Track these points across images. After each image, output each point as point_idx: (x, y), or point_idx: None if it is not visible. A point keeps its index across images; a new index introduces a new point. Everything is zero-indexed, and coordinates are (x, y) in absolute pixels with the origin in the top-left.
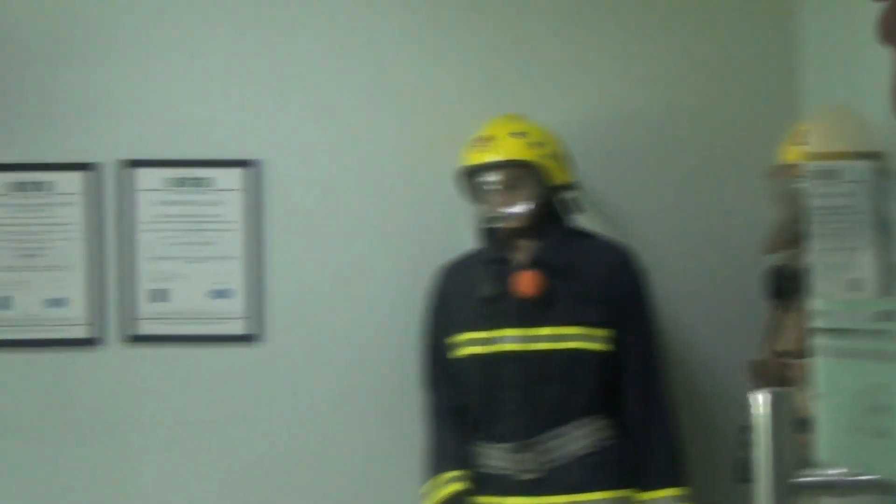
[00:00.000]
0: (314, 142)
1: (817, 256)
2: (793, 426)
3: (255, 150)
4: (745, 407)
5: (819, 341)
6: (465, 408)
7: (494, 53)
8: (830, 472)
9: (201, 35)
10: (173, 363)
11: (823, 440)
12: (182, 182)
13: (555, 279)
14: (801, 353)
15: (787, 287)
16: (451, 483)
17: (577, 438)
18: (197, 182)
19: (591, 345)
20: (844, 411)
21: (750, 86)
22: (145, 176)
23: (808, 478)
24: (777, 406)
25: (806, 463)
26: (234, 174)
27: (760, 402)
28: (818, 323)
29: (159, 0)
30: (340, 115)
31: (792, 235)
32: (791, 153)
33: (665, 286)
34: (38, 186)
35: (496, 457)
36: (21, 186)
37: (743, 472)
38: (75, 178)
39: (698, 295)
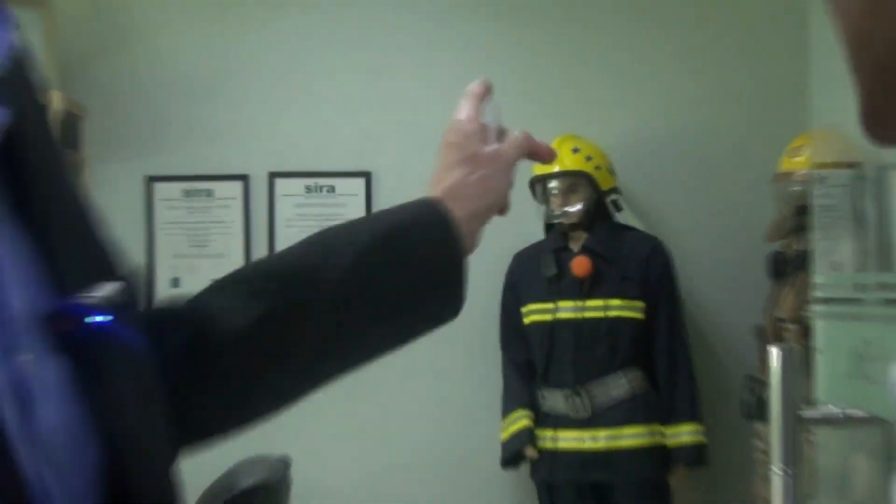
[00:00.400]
0: (413, 157)
1: (815, 243)
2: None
3: (369, 163)
4: (750, 360)
5: (819, 308)
6: (532, 362)
7: (557, 84)
8: (829, 408)
9: (328, 76)
10: None
11: (822, 384)
12: (314, 189)
13: (601, 263)
14: (795, 319)
15: (783, 268)
16: (520, 420)
17: (617, 386)
18: (326, 189)
19: (630, 314)
20: (839, 362)
21: (764, 111)
22: (286, 184)
23: (811, 413)
24: (787, 358)
25: (808, 402)
26: (355, 182)
27: (775, 355)
28: (819, 293)
29: (296, 49)
30: (432, 135)
31: (788, 228)
32: (788, 164)
33: (688, 269)
34: (204, 193)
35: (554, 399)
36: (192, 193)
37: (748, 411)
38: (233, 186)
39: (714, 275)
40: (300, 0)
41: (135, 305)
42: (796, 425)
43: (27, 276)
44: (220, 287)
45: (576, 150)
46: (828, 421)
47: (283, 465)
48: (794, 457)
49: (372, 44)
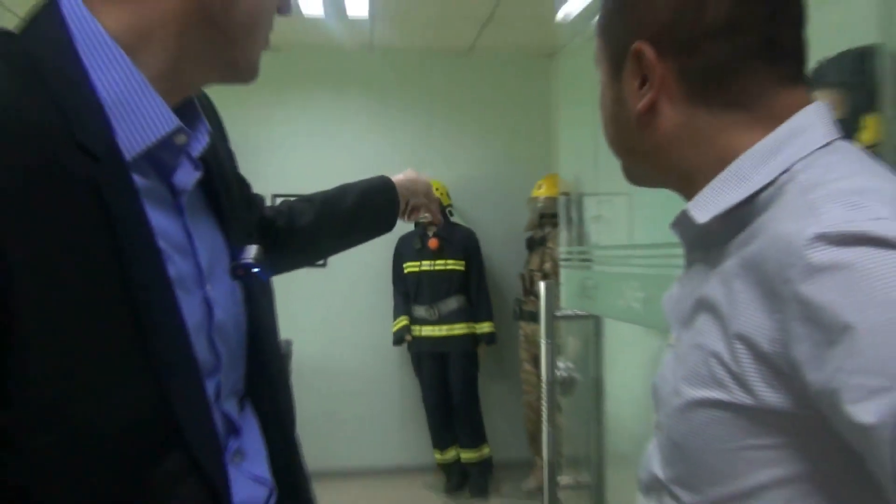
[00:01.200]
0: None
1: (560, 234)
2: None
3: (326, 187)
4: (516, 291)
5: (563, 263)
6: (408, 293)
7: (417, 146)
8: (568, 311)
9: (312, 133)
10: None
11: (564, 300)
12: None
13: (443, 241)
14: (538, 270)
15: (532, 245)
16: (402, 321)
17: (451, 303)
18: None
19: (457, 267)
20: (573, 289)
21: (527, 166)
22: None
23: (560, 312)
24: (549, 287)
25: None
26: None
27: (543, 285)
28: (564, 256)
29: (296, 119)
30: (372, 166)
31: (533, 225)
32: (535, 192)
33: (487, 244)
34: None
35: (420, 311)
36: None
37: (515, 316)
38: None
39: (500, 248)
40: (299, 95)
41: (266, 257)
42: (553, 319)
43: (213, 241)
44: (299, 200)
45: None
46: (567, 317)
47: (286, 344)
48: (552, 334)
49: (334, 117)
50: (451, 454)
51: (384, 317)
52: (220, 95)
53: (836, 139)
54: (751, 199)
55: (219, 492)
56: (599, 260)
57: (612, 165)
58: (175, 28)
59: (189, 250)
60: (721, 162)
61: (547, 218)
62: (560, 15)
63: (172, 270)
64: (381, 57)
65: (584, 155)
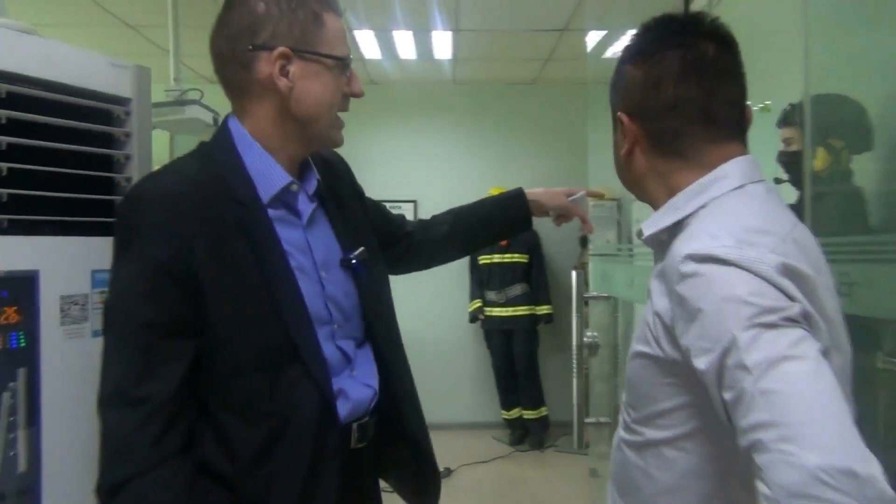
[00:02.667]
0: (440, 189)
1: (596, 235)
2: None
3: (415, 193)
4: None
5: (594, 259)
6: (482, 279)
7: (492, 157)
8: (595, 293)
9: (421, 144)
10: None
11: (592, 285)
12: (394, 208)
13: (509, 241)
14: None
15: (584, 241)
16: (476, 302)
17: (516, 289)
18: (398, 208)
19: (521, 259)
20: (597, 276)
21: (575, 174)
22: None
23: (588, 294)
24: (579, 275)
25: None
26: (407, 207)
27: (574, 274)
28: (592, 252)
29: (383, 130)
30: (451, 176)
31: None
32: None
33: (546, 240)
34: None
35: (490, 294)
36: None
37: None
38: None
39: (559, 246)
40: (394, 120)
41: (367, 257)
42: (585, 299)
43: (328, 244)
44: (442, 213)
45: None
46: (593, 297)
47: None
48: (582, 310)
49: (423, 138)
50: (514, 413)
51: (462, 299)
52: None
53: (748, 183)
54: (679, 223)
55: (323, 389)
56: (640, 255)
57: None
58: (272, 127)
59: (308, 250)
60: (669, 195)
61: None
62: (608, 53)
63: (294, 262)
64: (461, 89)
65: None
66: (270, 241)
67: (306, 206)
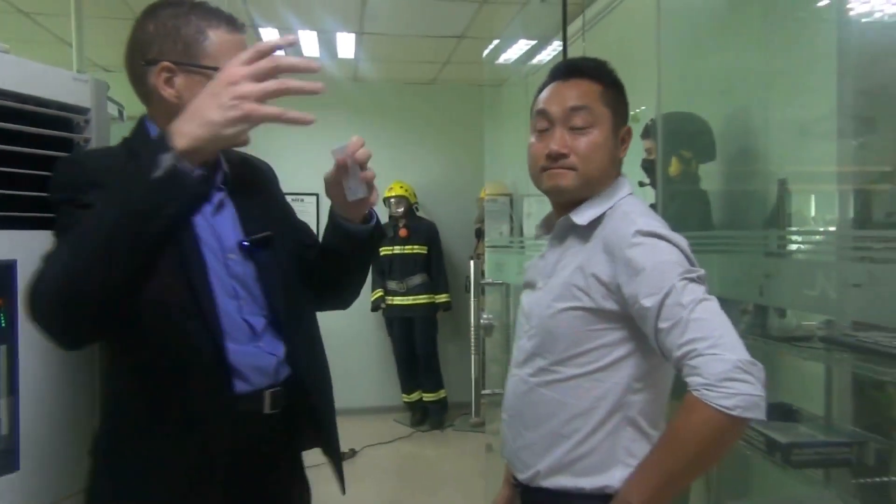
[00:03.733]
0: None
1: (488, 229)
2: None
3: (317, 186)
4: (466, 270)
5: (489, 248)
6: (383, 270)
7: (399, 156)
8: (490, 280)
9: (324, 138)
10: None
11: (488, 273)
12: (297, 200)
13: (410, 231)
14: (481, 253)
15: (480, 233)
16: (378, 292)
17: (416, 279)
18: (300, 200)
19: (420, 250)
20: (491, 267)
21: (471, 171)
22: None
23: (484, 281)
24: (476, 264)
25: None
26: (309, 200)
27: (472, 263)
28: (489, 243)
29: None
30: None
31: (479, 219)
32: (482, 193)
33: (445, 233)
34: None
35: (392, 284)
36: None
37: (465, 288)
38: None
39: (456, 236)
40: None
41: (269, 241)
42: (482, 287)
43: (234, 227)
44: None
45: (401, 187)
46: (489, 284)
47: None
48: (479, 295)
49: (325, 133)
50: (415, 396)
51: (364, 288)
52: None
53: (629, 194)
54: (601, 216)
55: (217, 343)
56: (530, 246)
57: None
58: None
59: (214, 233)
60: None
61: None
62: (501, 59)
63: (203, 244)
64: (363, 87)
65: (520, 165)
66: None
67: (215, 195)
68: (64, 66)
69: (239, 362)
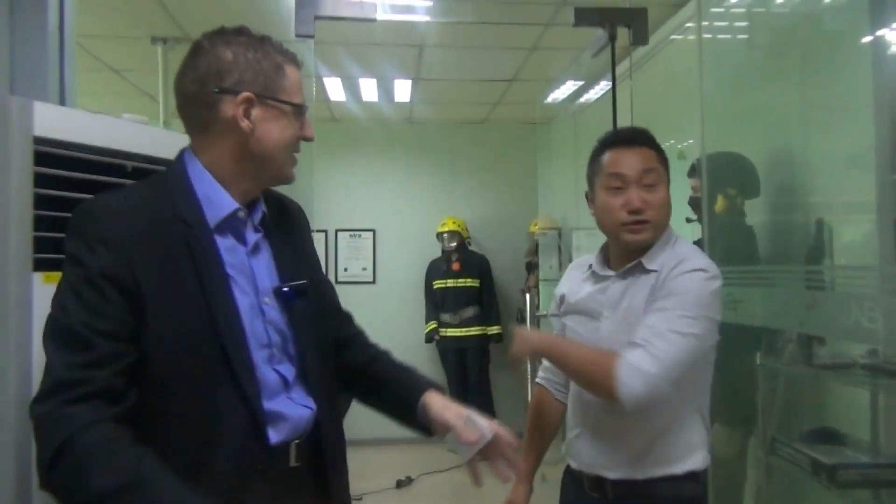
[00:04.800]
0: (397, 219)
1: (542, 262)
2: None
3: (374, 222)
4: (518, 302)
5: (542, 281)
6: (437, 303)
7: (450, 194)
8: (545, 312)
9: (381, 177)
10: None
11: (542, 306)
12: (355, 236)
13: (463, 265)
14: (534, 286)
15: (529, 268)
16: (432, 323)
17: (469, 311)
18: (358, 236)
19: (472, 284)
20: (547, 299)
21: (521, 206)
22: (342, 235)
23: (541, 313)
24: (532, 297)
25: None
26: (366, 236)
27: (528, 296)
28: (542, 276)
29: (343, 165)
30: (407, 207)
31: (531, 252)
32: (532, 228)
33: (498, 267)
34: None
35: (446, 316)
36: None
37: (517, 319)
38: (319, 235)
39: (508, 269)
40: (353, 153)
41: (305, 289)
42: (538, 317)
43: (271, 274)
44: (369, 343)
45: (454, 222)
46: (545, 315)
47: None
48: (536, 325)
49: (383, 171)
50: None
51: (418, 321)
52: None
53: (678, 237)
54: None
55: (254, 408)
56: None
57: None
58: (229, 162)
59: (251, 276)
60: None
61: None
62: (549, 98)
63: (237, 287)
64: (418, 127)
65: (567, 198)
66: (212, 262)
67: (251, 235)
68: (148, 116)
69: (272, 415)
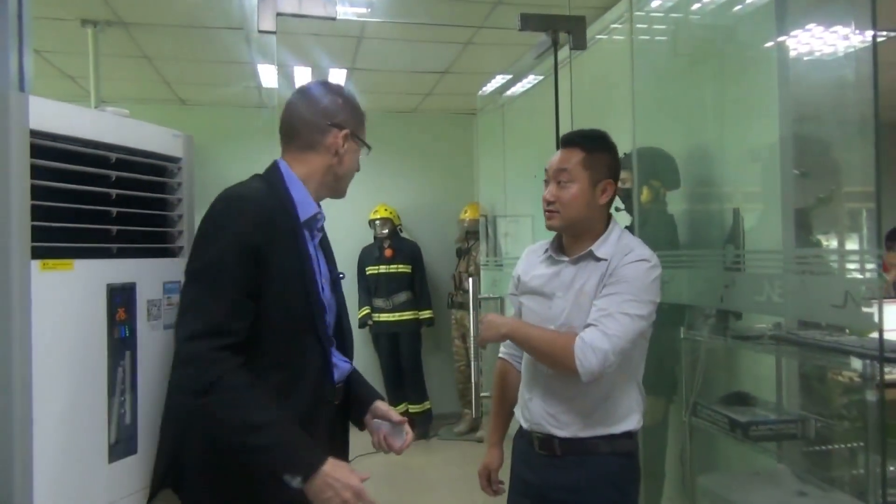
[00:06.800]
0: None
1: (482, 246)
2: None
3: None
4: (448, 287)
5: (482, 266)
6: (369, 288)
7: (384, 181)
8: (485, 294)
9: None
10: None
11: (483, 288)
12: None
13: (395, 252)
14: (465, 272)
15: (460, 253)
16: (365, 309)
17: (401, 297)
18: None
19: (405, 270)
20: (486, 283)
21: (457, 196)
22: None
23: (482, 295)
24: (475, 281)
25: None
26: None
27: (471, 280)
28: (482, 261)
29: None
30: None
31: (461, 239)
32: (462, 216)
33: (429, 252)
34: None
35: (379, 302)
36: None
37: (449, 304)
38: None
39: (438, 255)
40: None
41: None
42: (479, 301)
43: (322, 263)
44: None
45: (386, 209)
46: (485, 298)
47: None
48: (478, 308)
49: None
50: (401, 407)
51: (351, 306)
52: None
53: (623, 230)
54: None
55: (326, 353)
56: (507, 264)
57: (516, 195)
58: (319, 175)
59: (318, 262)
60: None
61: (471, 234)
62: (481, 90)
63: (316, 268)
64: None
65: (495, 187)
66: (305, 247)
67: (317, 235)
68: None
69: (333, 364)
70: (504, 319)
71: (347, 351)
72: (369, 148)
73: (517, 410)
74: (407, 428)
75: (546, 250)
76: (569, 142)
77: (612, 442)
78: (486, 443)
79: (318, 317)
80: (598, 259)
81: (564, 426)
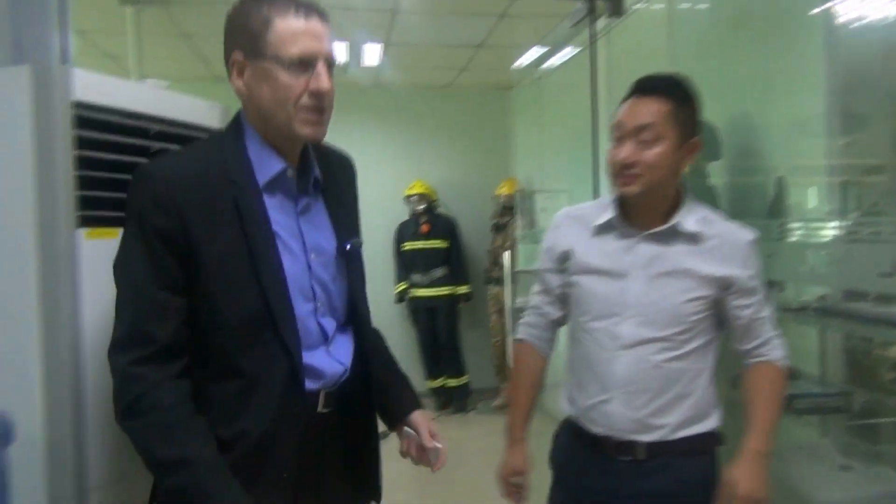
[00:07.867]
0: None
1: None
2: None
3: None
4: (485, 263)
5: (519, 240)
6: (407, 263)
7: (419, 157)
8: (523, 268)
9: (348, 141)
10: None
11: (520, 263)
12: None
13: (432, 226)
14: (501, 247)
15: (496, 228)
16: (402, 284)
17: (439, 272)
18: None
19: (442, 245)
20: (524, 257)
21: (488, 169)
22: None
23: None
24: (512, 254)
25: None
26: None
27: (507, 254)
28: (519, 235)
29: None
30: (376, 170)
31: (497, 214)
32: (498, 190)
33: (466, 228)
34: None
35: (415, 277)
36: None
37: (486, 280)
38: None
39: (476, 232)
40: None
41: (360, 244)
42: (517, 275)
43: (323, 232)
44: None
45: (422, 185)
46: (524, 272)
47: None
48: (516, 281)
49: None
50: (439, 381)
51: (388, 281)
52: None
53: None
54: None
55: (293, 355)
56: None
57: (554, 170)
58: (255, 119)
59: (298, 234)
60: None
61: (507, 209)
62: (516, 63)
63: (281, 243)
64: (386, 91)
65: (532, 162)
66: (258, 220)
67: (303, 196)
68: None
69: (309, 369)
70: (752, 482)
71: (367, 337)
72: (286, 59)
73: (569, 406)
74: (439, 446)
75: (604, 220)
76: (651, 89)
77: (702, 440)
78: (505, 437)
79: (281, 311)
80: (686, 234)
81: (653, 430)
